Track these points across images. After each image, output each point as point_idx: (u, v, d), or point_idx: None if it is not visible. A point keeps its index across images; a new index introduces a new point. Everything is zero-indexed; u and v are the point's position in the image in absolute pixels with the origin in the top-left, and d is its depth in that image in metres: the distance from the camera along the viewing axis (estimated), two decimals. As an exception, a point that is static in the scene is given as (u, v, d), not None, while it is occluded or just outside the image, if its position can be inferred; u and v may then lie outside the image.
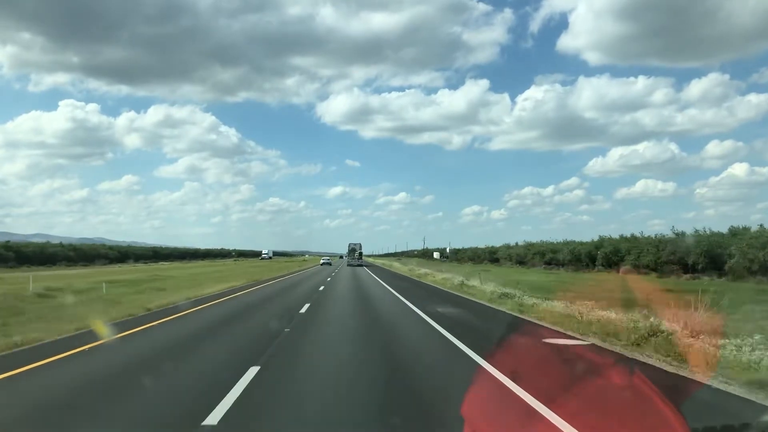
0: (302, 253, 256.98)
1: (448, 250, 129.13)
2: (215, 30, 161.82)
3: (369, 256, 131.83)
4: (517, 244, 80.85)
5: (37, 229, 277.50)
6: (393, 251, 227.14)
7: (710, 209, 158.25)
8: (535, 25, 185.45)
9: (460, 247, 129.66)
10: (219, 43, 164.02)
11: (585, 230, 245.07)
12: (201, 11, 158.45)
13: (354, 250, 75.37)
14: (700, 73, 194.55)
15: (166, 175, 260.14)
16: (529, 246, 70.57)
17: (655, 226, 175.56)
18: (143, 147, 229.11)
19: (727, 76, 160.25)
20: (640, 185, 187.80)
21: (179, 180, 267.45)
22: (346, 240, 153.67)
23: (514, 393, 6.58)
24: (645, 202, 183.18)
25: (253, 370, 7.62)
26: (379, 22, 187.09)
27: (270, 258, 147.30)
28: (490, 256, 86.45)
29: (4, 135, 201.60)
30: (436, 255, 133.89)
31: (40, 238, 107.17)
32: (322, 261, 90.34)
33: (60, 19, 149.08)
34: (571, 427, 5.25)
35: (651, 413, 5.59)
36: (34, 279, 24.64)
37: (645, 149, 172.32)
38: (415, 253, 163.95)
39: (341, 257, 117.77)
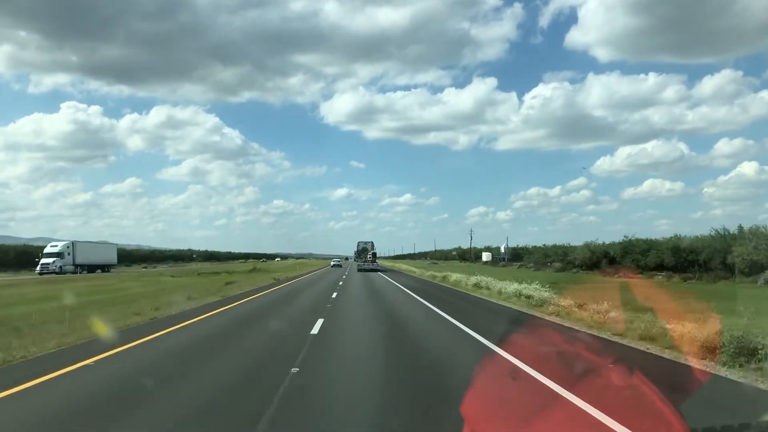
0: (289, 257, 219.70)
1: (503, 250, 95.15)
2: (215, 27, 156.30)
3: (379, 258, 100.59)
4: (720, 231, 39.72)
5: (41, 232, 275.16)
6: (410, 252, 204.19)
7: (717, 209, 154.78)
8: (544, 20, 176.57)
9: (521, 245, 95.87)
10: (219, 41, 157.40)
11: (591, 231, 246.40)
12: (200, 7, 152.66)
13: (365, 250, 62.53)
14: (713, 69, 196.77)
15: (169, 177, 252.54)
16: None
17: (662, 227, 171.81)
18: (146, 149, 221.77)
19: (740, 73, 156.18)
20: (647, 185, 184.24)
21: (183, 182, 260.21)
22: (350, 242, 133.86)
23: None
24: (652, 202, 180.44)
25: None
26: (385, 17, 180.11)
27: (56, 272, 56.15)
28: (659, 259, 43.36)
29: (7, 137, 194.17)
30: (485, 257, 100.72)
31: (43, 241, 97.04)
32: (332, 263, 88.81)
33: (55, 16, 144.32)
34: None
35: (650, 413, 5.30)
36: None
37: (653, 148, 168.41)
38: (454, 253, 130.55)
39: (346, 259, 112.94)
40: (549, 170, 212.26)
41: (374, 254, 63.48)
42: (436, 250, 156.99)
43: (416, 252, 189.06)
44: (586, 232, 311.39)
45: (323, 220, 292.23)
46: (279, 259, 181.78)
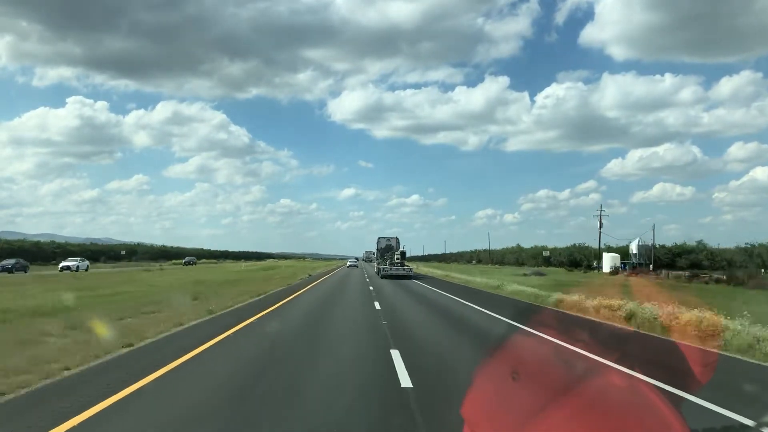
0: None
1: (635, 249, 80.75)
2: (222, 19, 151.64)
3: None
4: None
5: (47, 229, 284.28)
6: (438, 252, 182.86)
7: (728, 214, 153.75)
8: (560, 16, 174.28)
9: (667, 244, 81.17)
10: (226, 34, 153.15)
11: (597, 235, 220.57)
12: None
13: (390, 249, 48.28)
14: (731, 70, 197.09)
15: (175, 175, 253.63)
16: None
17: (671, 231, 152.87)
18: (153, 145, 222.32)
19: (760, 74, 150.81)
20: (657, 189, 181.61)
21: (189, 180, 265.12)
22: (356, 242, 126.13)
23: None
24: (662, 206, 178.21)
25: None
26: (396, 11, 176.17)
27: None
28: None
29: (13, 132, 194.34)
30: (607, 262, 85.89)
31: (50, 237, 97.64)
32: (348, 263, 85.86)
33: (57, 6, 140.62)
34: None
35: (649, 415, 5.29)
36: None
37: (666, 151, 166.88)
38: (547, 254, 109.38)
39: (356, 259, 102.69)
40: (559, 172, 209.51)
41: (403, 254, 49.02)
42: (488, 250, 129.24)
43: (447, 252, 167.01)
44: (594, 236, 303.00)
45: (330, 220, 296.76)
46: (243, 261, 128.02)
